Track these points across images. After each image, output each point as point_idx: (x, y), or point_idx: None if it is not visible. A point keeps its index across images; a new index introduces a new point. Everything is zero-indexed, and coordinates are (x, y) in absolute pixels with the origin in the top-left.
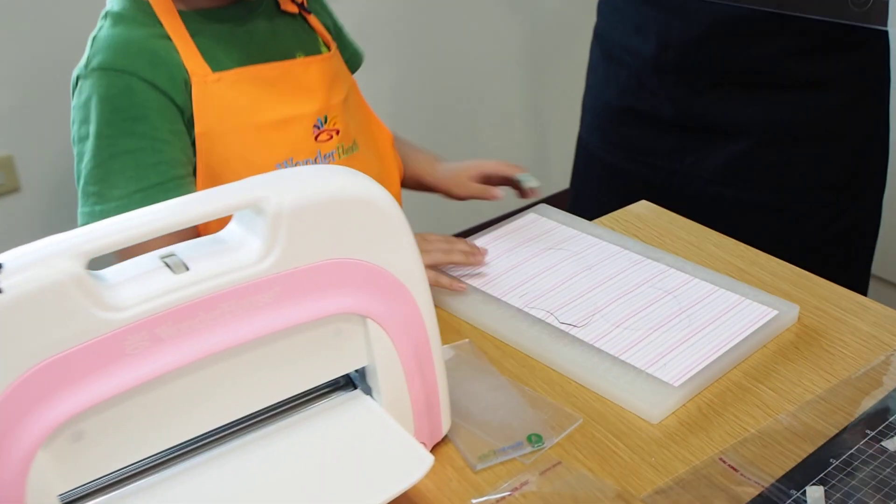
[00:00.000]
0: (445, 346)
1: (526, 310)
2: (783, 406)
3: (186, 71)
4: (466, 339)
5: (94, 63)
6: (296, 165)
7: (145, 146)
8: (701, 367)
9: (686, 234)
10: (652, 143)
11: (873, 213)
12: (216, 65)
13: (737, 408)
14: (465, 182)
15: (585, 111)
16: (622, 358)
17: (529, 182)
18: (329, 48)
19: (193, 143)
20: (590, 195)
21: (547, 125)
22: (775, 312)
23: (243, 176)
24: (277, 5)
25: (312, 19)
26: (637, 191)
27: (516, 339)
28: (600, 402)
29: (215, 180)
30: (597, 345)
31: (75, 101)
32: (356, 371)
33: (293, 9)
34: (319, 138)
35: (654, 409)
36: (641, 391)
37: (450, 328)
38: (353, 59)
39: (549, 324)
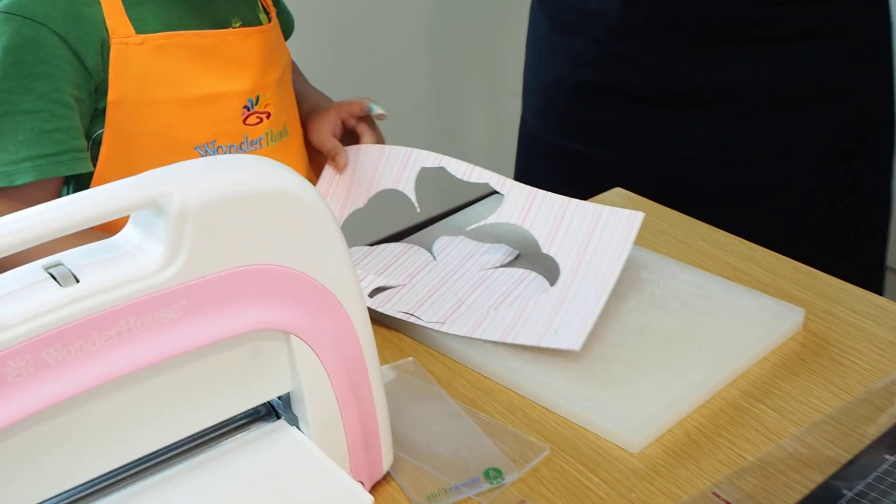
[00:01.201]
0: (385, 366)
1: (490, 324)
2: (787, 429)
3: (106, 29)
4: (410, 358)
5: (2, 4)
6: (218, 150)
7: (44, 109)
8: (693, 385)
9: (669, 226)
10: (619, 121)
11: (884, 184)
12: (141, 26)
13: (732, 432)
14: (322, 130)
15: (529, 92)
16: (593, 377)
17: (376, 110)
18: (270, 17)
19: (99, 114)
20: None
21: (476, 110)
22: (776, 317)
23: (156, 155)
24: None
25: None
26: (604, 180)
27: (468, 356)
28: (570, 429)
29: (124, 157)
30: (577, 348)
31: None
32: (279, 398)
33: None
34: (248, 121)
35: (634, 435)
36: (618, 415)
37: (389, 345)
38: (285, 26)
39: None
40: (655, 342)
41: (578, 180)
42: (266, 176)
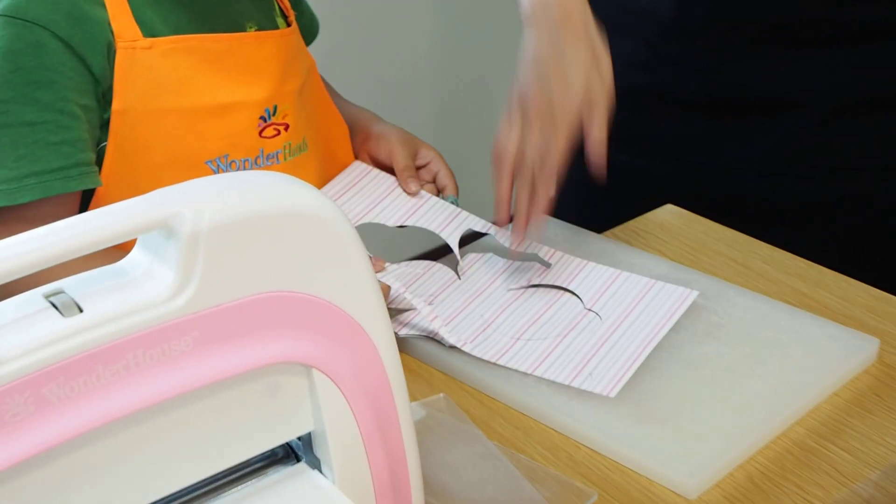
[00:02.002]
0: (415, 403)
1: (518, 353)
2: (861, 472)
3: (112, 32)
4: (441, 394)
5: (0, 7)
6: (231, 165)
7: (48, 119)
8: (756, 423)
9: (727, 247)
10: (671, 130)
11: None
12: (149, 29)
13: (800, 475)
14: (398, 148)
15: None
16: (645, 414)
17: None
18: (289, 22)
19: (105, 124)
20: (590, 203)
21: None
22: (848, 348)
23: (163, 170)
24: None
25: None
26: (654, 195)
27: (506, 392)
28: (619, 472)
29: (128, 173)
30: (611, 395)
31: None
32: (299, 438)
33: None
34: (264, 133)
35: (691, 479)
36: (673, 457)
37: (418, 379)
38: (308, 28)
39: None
40: (713, 376)
41: (624, 196)
42: (285, 194)
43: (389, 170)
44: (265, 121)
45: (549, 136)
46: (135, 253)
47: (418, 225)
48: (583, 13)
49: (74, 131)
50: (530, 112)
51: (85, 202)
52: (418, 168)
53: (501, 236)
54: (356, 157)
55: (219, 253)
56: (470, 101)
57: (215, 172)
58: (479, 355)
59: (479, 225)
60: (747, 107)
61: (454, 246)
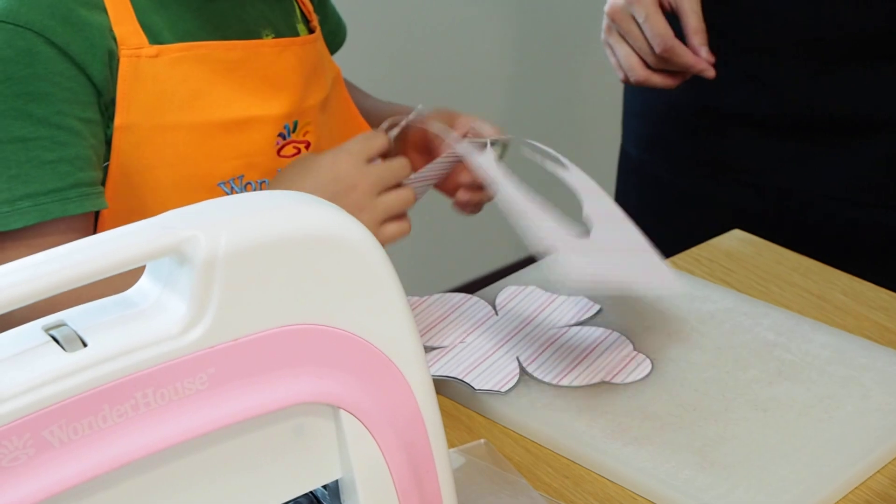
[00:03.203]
0: (452, 450)
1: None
2: None
3: (114, 39)
4: (482, 440)
5: None
6: (246, 187)
7: (43, 135)
8: (833, 472)
9: (801, 277)
10: (745, 153)
11: None
12: (155, 36)
13: None
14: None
15: (632, 117)
16: (709, 461)
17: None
18: (311, 28)
19: (107, 142)
20: (650, 228)
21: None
22: None
23: (172, 193)
24: None
25: None
26: (725, 222)
27: (553, 437)
28: None
29: (132, 196)
30: (665, 443)
31: None
32: (325, 487)
33: None
34: (283, 151)
35: None
36: None
37: (457, 424)
38: (333, 36)
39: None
40: (786, 419)
41: (693, 222)
42: (310, 216)
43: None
44: (284, 138)
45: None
46: (143, 281)
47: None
48: None
49: (73, 148)
50: None
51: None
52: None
53: (549, 267)
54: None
55: (237, 281)
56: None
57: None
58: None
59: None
60: (830, 129)
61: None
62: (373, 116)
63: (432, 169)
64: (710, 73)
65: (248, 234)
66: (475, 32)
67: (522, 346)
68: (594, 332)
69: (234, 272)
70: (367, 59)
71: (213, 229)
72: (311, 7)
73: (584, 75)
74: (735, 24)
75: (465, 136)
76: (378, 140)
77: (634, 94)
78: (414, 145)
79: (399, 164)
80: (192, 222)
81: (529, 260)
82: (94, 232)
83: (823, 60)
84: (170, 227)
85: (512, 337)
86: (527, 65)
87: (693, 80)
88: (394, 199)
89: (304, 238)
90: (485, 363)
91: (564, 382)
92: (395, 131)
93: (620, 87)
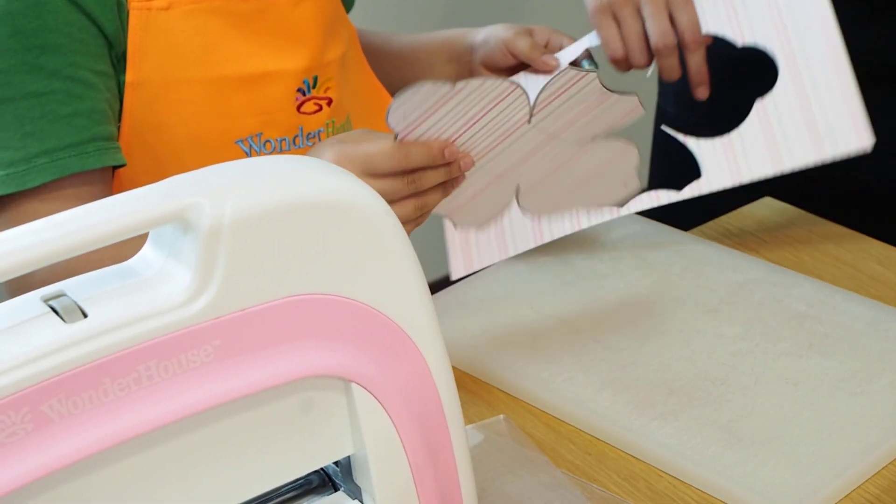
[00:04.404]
0: (470, 426)
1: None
2: None
3: None
4: (501, 416)
5: None
6: (265, 145)
7: (57, 89)
8: (865, 448)
9: (834, 245)
10: None
11: None
12: None
13: None
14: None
15: None
16: (737, 437)
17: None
18: None
19: (121, 93)
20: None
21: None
22: None
23: (187, 153)
24: None
25: None
26: (750, 187)
27: (576, 413)
28: None
29: (146, 156)
30: (691, 418)
31: None
32: (337, 464)
33: None
34: (304, 108)
35: None
36: (770, 486)
37: (475, 399)
38: None
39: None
40: (817, 393)
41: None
42: (319, 182)
43: (515, 70)
44: (304, 94)
45: None
46: (146, 250)
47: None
48: None
49: (88, 101)
50: None
51: None
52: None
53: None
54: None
55: (243, 250)
56: None
57: (247, 154)
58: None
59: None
60: (877, 75)
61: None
62: (416, 56)
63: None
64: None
65: (254, 200)
66: None
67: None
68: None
69: (239, 240)
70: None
71: (218, 196)
72: None
73: None
74: None
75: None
76: (385, 161)
77: None
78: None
79: (401, 184)
80: (196, 188)
81: None
82: (111, 189)
83: (875, 6)
84: (173, 194)
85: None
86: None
87: None
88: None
89: (313, 205)
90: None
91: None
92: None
93: None
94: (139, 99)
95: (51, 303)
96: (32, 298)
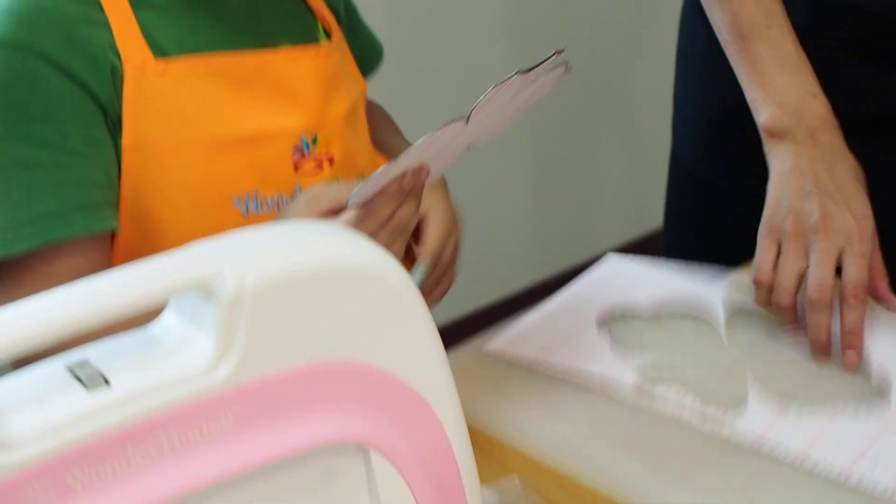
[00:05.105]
0: (485, 487)
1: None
2: None
3: (118, 55)
4: (514, 476)
5: None
6: (262, 202)
7: (45, 158)
8: None
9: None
10: None
11: None
12: (162, 49)
13: None
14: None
15: (683, 121)
16: (755, 498)
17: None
18: (330, 37)
19: (120, 156)
20: (695, 245)
21: (605, 140)
22: None
23: (186, 212)
24: None
25: None
26: None
27: (591, 473)
28: None
29: (145, 217)
30: (713, 481)
31: None
32: None
33: None
34: (302, 168)
35: None
36: None
37: (489, 458)
38: (368, 56)
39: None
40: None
41: (748, 229)
42: (338, 249)
43: None
44: (302, 153)
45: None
46: (167, 316)
47: None
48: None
49: (77, 170)
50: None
51: None
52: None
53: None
54: None
55: (264, 318)
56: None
57: (244, 213)
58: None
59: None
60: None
61: None
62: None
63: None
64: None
65: (274, 269)
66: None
67: None
68: None
69: (260, 309)
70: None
71: (240, 265)
72: (331, 20)
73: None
74: (797, 20)
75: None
76: (360, 228)
77: (686, 95)
78: None
79: (385, 237)
80: (217, 257)
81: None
82: (110, 254)
83: (889, 61)
84: (195, 262)
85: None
86: (576, 66)
87: None
88: None
89: (332, 272)
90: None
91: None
92: (362, 191)
93: (670, 89)
94: (136, 161)
95: (74, 370)
96: (56, 365)
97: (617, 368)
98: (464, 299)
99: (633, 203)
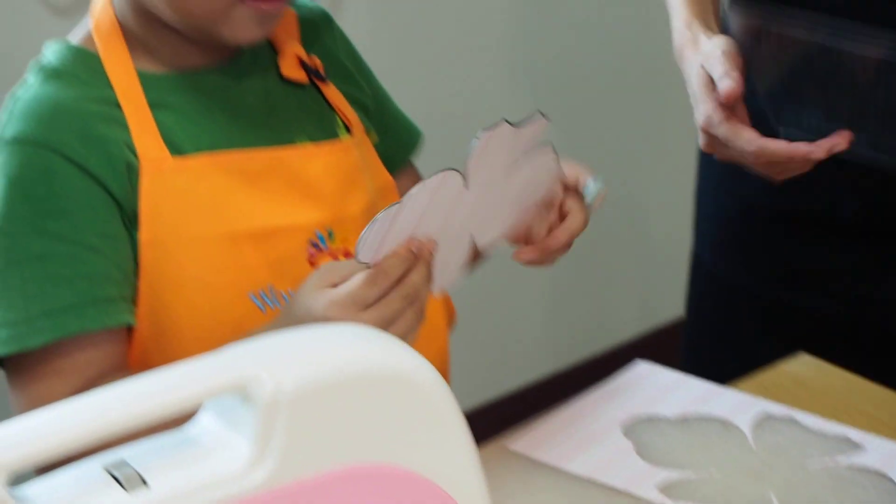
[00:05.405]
0: None
1: None
2: None
3: (134, 153)
4: None
5: (8, 133)
6: (277, 296)
7: (60, 252)
8: None
9: (875, 408)
10: (827, 260)
11: None
12: (178, 148)
13: None
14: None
15: (704, 220)
16: None
17: (591, 193)
18: (350, 132)
19: (137, 250)
20: (716, 345)
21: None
22: None
23: (202, 307)
24: (278, 70)
25: (331, 91)
26: (799, 335)
27: None
28: None
29: (161, 311)
30: None
31: None
32: None
33: (301, 76)
34: (318, 262)
35: None
36: None
37: None
38: (402, 144)
39: None
40: None
41: (765, 333)
42: (374, 353)
43: None
44: (318, 247)
45: None
46: (204, 417)
47: None
48: None
49: (91, 265)
50: None
51: None
52: None
53: None
54: None
55: (301, 421)
56: None
57: (260, 307)
58: None
59: None
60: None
61: None
62: None
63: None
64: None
65: (312, 372)
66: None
67: None
68: None
69: (298, 412)
70: None
71: (277, 368)
72: (351, 115)
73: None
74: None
75: None
76: (370, 290)
77: (707, 194)
78: None
79: (396, 302)
80: (254, 360)
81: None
82: (125, 348)
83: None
84: (232, 365)
85: None
86: (591, 158)
87: (770, 183)
88: (368, 318)
89: (368, 375)
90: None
91: None
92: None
93: (686, 183)
94: (153, 256)
95: (112, 470)
96: (94, 466)
97: (640, 482)
98: (479, 389)
99: (647, 295)
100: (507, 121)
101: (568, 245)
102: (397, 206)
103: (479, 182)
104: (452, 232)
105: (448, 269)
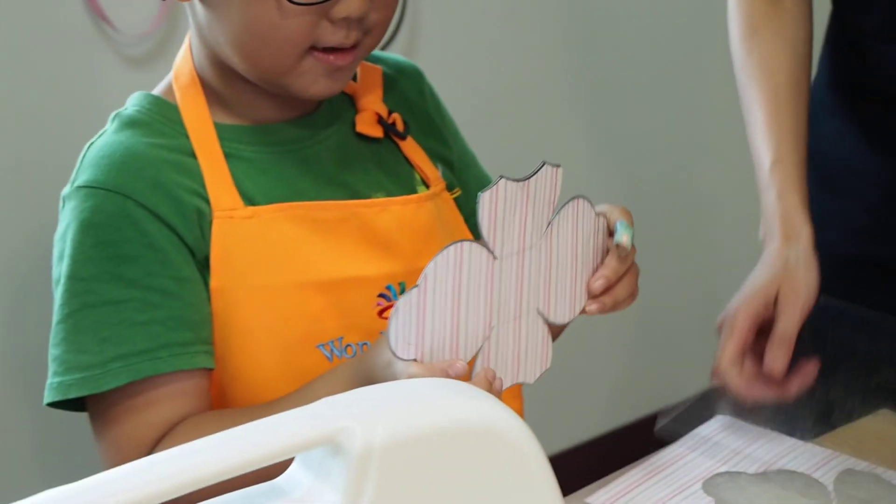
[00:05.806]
0: None
1: None
2: None
3: (206, 201)
4: None
5: (80, 179)
6: (346, 349)
7: (135, 297)
8: None
9: None
10: None
11: None
12: (250, 198)
13: None
14: None
15: None
16: None
17: (620, 237)
18: (428, 187)
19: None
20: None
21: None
22: None
23: (270, 356)
24: (353, 126)
25: (410, 147)
26: (876, 394)
27: None
28: None
29: (230, 360)
30: None
31: (57, 232)
32: None
33: (376, 132)
34: (387, 314)
35: None
36: None
37: None
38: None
39: None
40: None
41: (852, 381)
42: (466, 408)
43: None
44: (388, 299)
45: None
46: (294, 469)
47: None
48: None
49: (165, 309)
50: None
51: None
52: None
53: None
54: None
55: (392, 474)
56: None
57: (329, 358)
58: None
59: None
60: None
61: None
62: None
63: None
64: None
65: (403, 425)
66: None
67: None
68: None
69: (389, 465)
70: None
71: (369, 420)
72: (430, 172)
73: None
74: (892, 174)
75: None
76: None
77: None
78: None
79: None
80: (346, 412)
81: None
82: (204, 391)
83: None
84: (324, 417)
85: None
86: (650, 218)
87: (848, 229)
88: None
89: (459, 429)
90: None
91: None
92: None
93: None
94: (223, 303)
95: None
96: None
97: None
98: (557, 439)
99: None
100: (504, 177)
101: (629, 292)
102: (415, 290)
103: (510, 249)
104: (509, 311)
105: (530, 353)
